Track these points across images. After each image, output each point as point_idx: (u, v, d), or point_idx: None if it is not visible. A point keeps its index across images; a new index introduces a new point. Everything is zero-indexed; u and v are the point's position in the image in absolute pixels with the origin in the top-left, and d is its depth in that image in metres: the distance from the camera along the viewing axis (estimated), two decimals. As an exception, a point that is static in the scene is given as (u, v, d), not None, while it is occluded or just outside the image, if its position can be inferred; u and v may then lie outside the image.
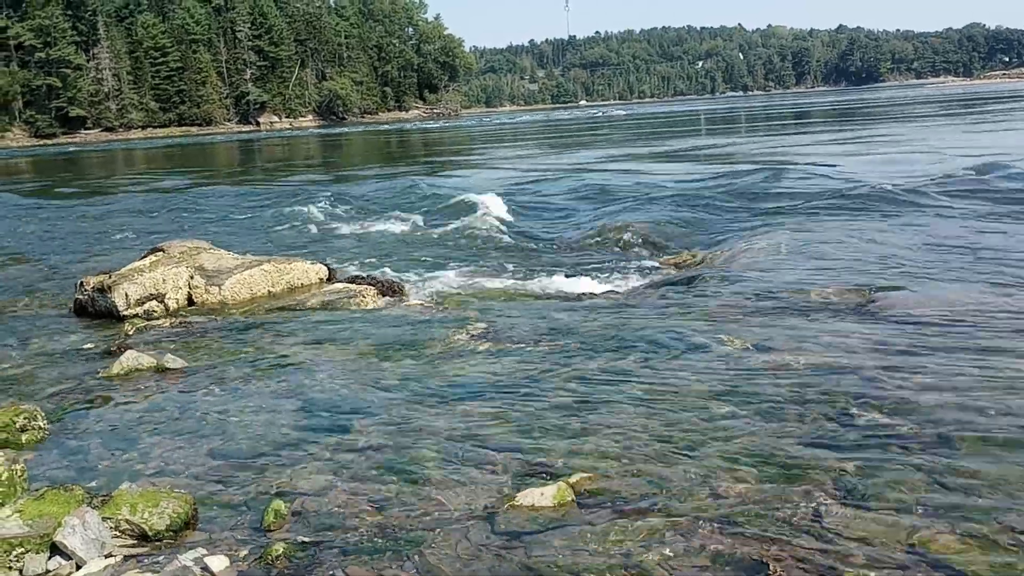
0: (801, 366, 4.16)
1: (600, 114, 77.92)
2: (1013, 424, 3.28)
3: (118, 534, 2.90)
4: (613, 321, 5.34)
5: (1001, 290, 5.49)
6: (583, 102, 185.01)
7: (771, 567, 2.46)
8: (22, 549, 2.74)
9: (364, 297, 6.51)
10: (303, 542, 2.79)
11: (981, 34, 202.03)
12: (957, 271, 6.17)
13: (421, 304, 6.42)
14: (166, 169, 32.19)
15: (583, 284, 7.01)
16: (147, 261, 7.08)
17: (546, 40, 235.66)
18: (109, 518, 2.91)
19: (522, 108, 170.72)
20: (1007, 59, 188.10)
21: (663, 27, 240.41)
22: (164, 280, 6.74)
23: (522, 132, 48.58)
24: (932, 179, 11.69)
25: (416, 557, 2.65)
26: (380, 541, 2.77)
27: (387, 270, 8.01)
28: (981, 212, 8.95)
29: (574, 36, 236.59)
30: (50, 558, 2.75)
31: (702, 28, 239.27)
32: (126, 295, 6.53)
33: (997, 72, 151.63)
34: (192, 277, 6.88)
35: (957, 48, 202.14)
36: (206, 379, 4.69)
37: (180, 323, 6.17)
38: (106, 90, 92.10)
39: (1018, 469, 2.92)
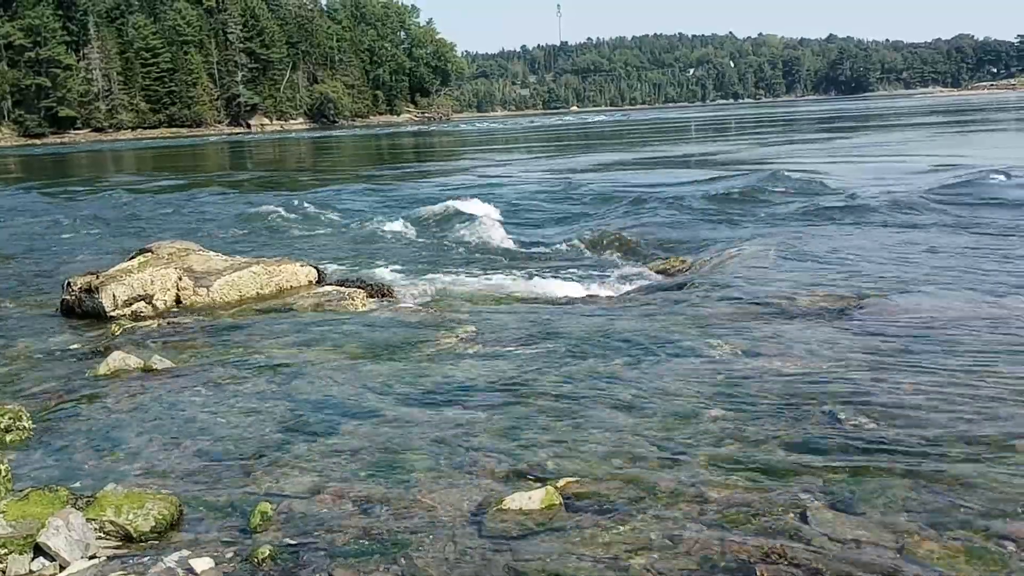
0: (789, 371, 4.18)
1: (603, 119, 78.05)
2: (999, 430, 3.30)
3: (102, 535, 2.88)
4: (602, 325, 5.35)
5: (988, 297, 5.52)
6: (574, 108, 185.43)
7: (758, 571, 2.46)
8: (5, 550, 2.72)
9: (353, 299, 6.50)
10: (289, 544, 2.78)
11: (969, 45, 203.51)
12: (944, 278, 6.21)
13: (411, 307, 6.41)
14: (154, 170, 32.07)
15: (572, 288, 7.02)
16: (135, 262, 7.04)
17: (538, 46, 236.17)
18: (93, 519, 2.89)
19: (513, 113, 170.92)
20: (995, 70, 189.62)
21: (655, 34, 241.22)
22: (152, 281, 6.71)
23: (513, 137, 48.64)
24: (920, 187, 11.78)
25: (403, 560, 2.64)
26: (367, 543, 2.76)
27: (377, 272, 8.00)
28: (968, 220, 9.02)
29: (566, 42, 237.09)
30: (33, 559, 2.73)
31: (693, 36, 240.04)
32: (114, 296, 6.49)
33: (985, 83, 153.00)
34: (180, 278, 6.85)
35: (945, 59, 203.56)
36: (193, 380, 4.66)
37: (168, 324, 6.14)
38: (96, 90, 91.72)
39: (1003, 475, 2.93)
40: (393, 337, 5.36)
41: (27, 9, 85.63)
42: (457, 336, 5.29)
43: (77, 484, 3.32)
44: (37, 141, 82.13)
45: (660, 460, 3.24)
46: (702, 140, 34.17)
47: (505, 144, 41.05)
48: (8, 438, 3.85)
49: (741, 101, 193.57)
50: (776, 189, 12.65)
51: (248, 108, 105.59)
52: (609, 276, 7.66)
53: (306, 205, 14.11)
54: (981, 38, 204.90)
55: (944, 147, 21.74)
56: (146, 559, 2.73)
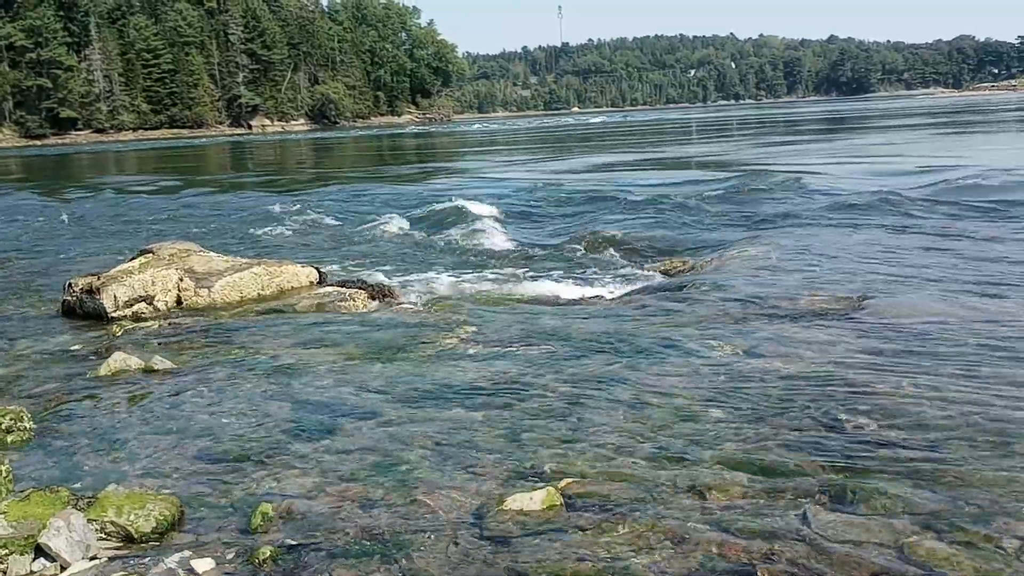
0: (790, 372, 4.18)
1: (603, 120, 78.09)
2: (999, 430, 3.30)
3: (103, 536, 2.88)
4: (603, 326, 5.35)
5: (988, 298, 5.52)
6: (575, 109, 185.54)
7: (758, 571, 2.46)
8: (6, 551, 2.72)
9: (354, 300, 6.50)
10: (290, 545, 2.78)
11: (970, 46, 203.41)
12: (945, 279, 6.21)
13: (411, 308, 6.41)
14: (155, 171, 32.08)
15: (573, 289, 7.02)
16: (136, 263, 7.05)
17: (539, 47, 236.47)
18: (94, 520, 2.89)
19: (514, 114, 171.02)
20: (996, 71, 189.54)
21: (656, 35, 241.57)
22: (153, 282, 6.71)
23: (514, 138, 48.65)
24: (920, 189, 11.78)
25: (404, 561, 2.65)
26: (368, 544, 2.76)
27: (377, 273, 8.00)
28: (969, 221, 9.02)
29: (567, 43, 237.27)
30: (34, 560, 2.73)
31: (695, 37, 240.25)
32: (115, 297, 6.49)
33: (986, 84, 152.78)
34: (181, 279, 6.85)
35: (947, 60, 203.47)
36: (194, 381, 4.66)
37: (169, 325, 6.14)
38: (97, 91, 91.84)
39: (1004, 475, 2.93)
40: (394, 337, 5.37)
41: (28, 10, 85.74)
42: (458, 336, 5.29)
43: (78, 485, 3.32)
44: (38, 142, 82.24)
45: (661, 461, 3.24)
46: (703, 141, 34.16)
47: (505, 145, 41.06)
48: (9, 439, 3.85)
49: (742, 102, 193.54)
50: (776, 190, 12.65)
51: (249, 109, 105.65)
52: (611, 277, 7.66)
53: (307, 206, 14.12)
54: (982, 39, 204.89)
55: (943, 149, 21.73)
56: (147, 560, 2.73)
